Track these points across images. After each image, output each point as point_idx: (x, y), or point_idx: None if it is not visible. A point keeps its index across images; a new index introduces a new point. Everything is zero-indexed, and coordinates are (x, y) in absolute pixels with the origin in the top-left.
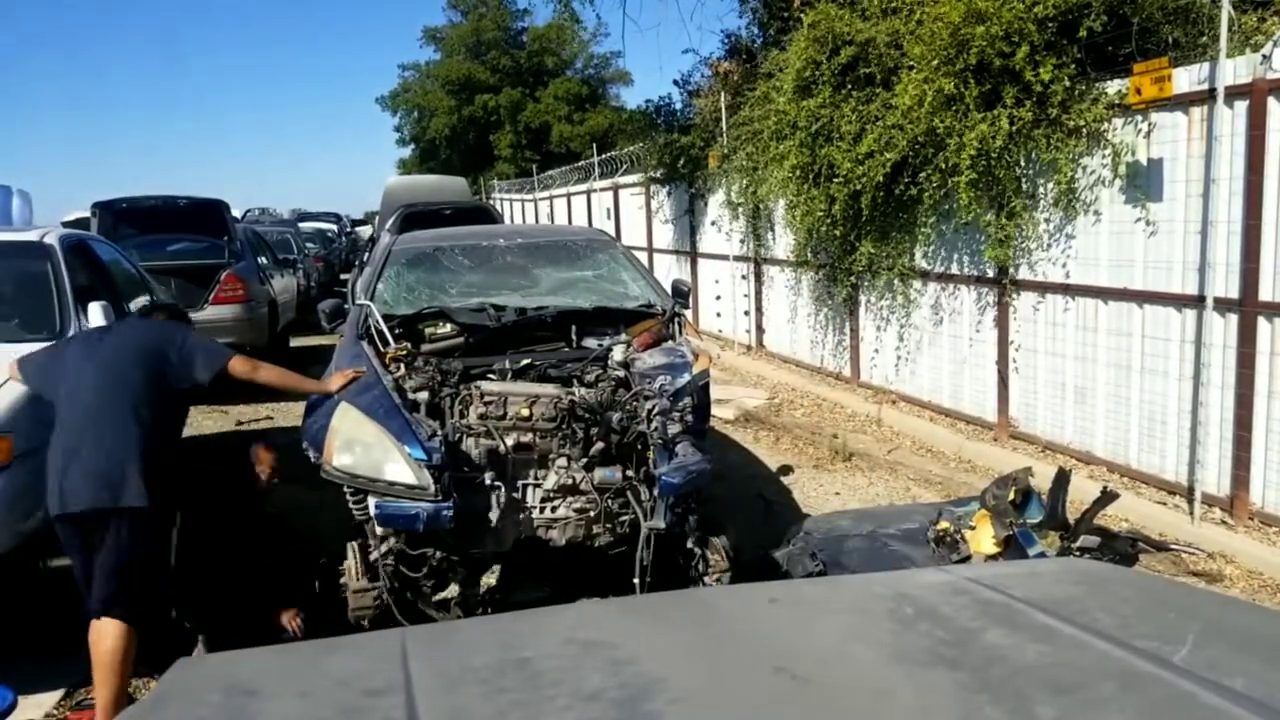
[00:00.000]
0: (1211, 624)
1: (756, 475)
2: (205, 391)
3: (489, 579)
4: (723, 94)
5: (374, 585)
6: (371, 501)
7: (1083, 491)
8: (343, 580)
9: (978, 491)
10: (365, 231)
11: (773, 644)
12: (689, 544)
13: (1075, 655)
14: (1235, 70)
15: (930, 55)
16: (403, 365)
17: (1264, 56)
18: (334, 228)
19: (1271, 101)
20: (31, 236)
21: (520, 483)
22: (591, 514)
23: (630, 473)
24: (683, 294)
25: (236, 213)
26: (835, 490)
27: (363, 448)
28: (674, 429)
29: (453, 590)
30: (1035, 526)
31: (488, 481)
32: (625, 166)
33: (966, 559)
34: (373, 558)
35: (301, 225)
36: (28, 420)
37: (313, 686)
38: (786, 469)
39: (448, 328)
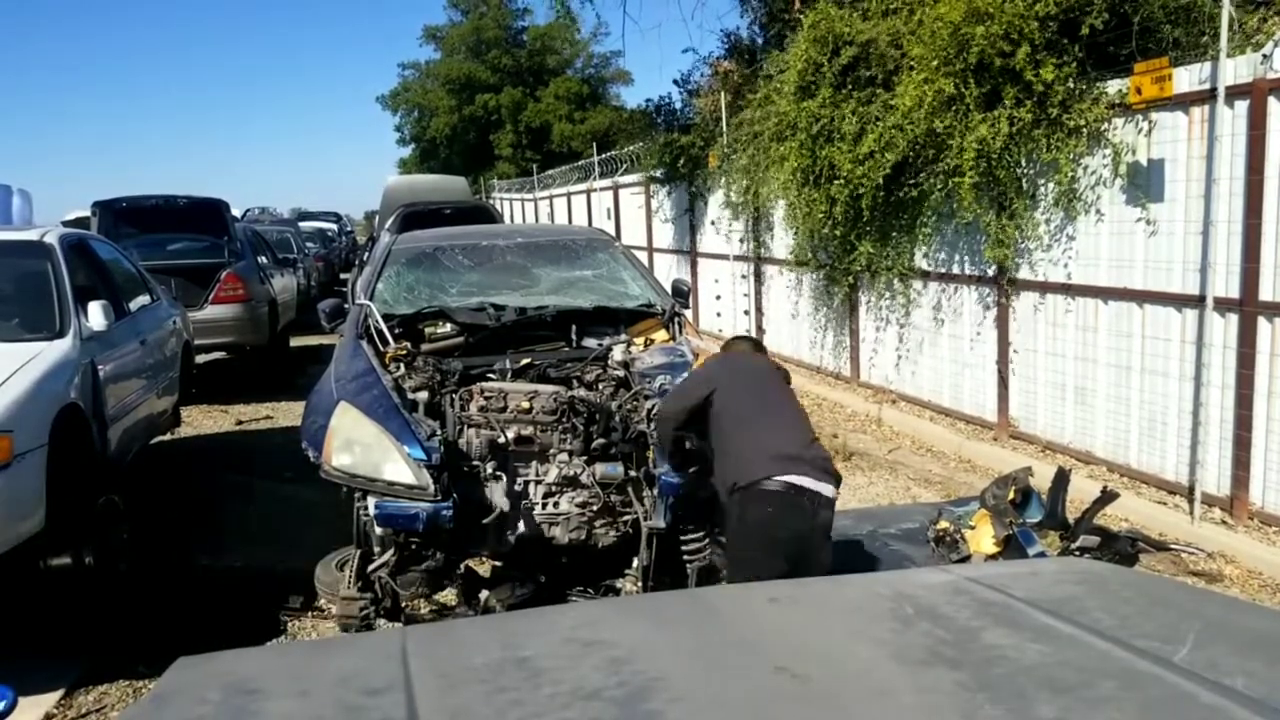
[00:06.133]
0: (1212, 624)
1: None
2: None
3: (490, 600)
4: (723, 93)
5: (362, 596)
6: (371, 501)
7: (1083, 491)
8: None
9: (978, 491)
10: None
11: (773, 643)
12: (687, 542)
13: (1075, 655)
14: (1236, 70)
15: (930, 55)
16: (402, 365)
17: (1265, 56)
18: (334, 227)
19: (1272, 101)
20: (32, 236)
21: (521, 478)
22: (594, 508)
23: (631, 471)
24: (683, 294)
25: (236, 212)
26: None
27: (362, 448)
28: None
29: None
30: (1035, 526)
31: (489, 472)
32: (625, 166)
33: (966, 558)
34: (370, 568)
35: (302, 225)
36: (28, 419)
37: (313, 685)
38: None
39: (448, 327)
